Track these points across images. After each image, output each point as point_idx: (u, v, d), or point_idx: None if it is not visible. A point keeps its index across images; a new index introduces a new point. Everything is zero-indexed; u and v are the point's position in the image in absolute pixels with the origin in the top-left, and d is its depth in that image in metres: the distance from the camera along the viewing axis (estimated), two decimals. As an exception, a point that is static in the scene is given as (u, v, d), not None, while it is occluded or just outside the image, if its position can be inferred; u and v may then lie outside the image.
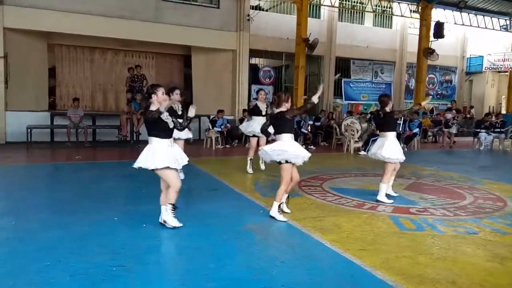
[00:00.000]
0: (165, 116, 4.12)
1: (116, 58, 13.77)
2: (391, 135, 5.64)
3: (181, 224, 4.22)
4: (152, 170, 4.08)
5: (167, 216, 4.21)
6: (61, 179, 7.08)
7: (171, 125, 4.19)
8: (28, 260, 3.38)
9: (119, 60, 13.81)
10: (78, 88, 13.26)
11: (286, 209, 4.92)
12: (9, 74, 11.08)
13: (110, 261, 3.36)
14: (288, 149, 4.59)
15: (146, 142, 4.29)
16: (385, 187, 5.62)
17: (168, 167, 4.08)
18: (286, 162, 4.62)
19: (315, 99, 4.82)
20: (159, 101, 4.10)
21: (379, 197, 5.56)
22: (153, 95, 4.12)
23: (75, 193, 5.80)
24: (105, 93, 13.76)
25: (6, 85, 11.02)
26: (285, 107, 4.73)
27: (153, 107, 4.10)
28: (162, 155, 4.05)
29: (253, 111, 7.71)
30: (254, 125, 7.36)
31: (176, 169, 4.18)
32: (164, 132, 4.15)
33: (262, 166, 7.57)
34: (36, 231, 4.12)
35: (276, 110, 4.80)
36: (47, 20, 11.09)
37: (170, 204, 4.19)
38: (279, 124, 4.73)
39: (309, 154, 4.73)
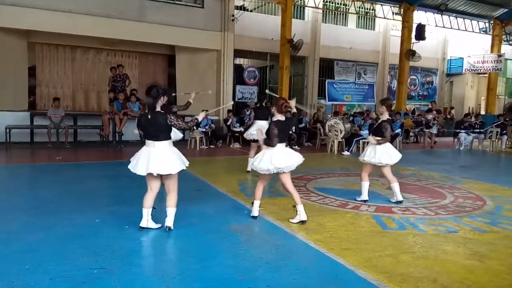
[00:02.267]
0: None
1: (98, 57, 13.57)
2: None
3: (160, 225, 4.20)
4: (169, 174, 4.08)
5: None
6: (42, 180, 6.93)
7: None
8: (9, 262, 3.30)
9: (102, 59, 13.61)
10: (59, 88, 13.02)
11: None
12: (-13, 72, 10.82)
13: (92, 264, 3.30)
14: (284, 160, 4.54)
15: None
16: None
17: None
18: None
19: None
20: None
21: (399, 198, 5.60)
22: (162, 97, 4.14)
23: (57, 194, 5.68)
24: (87, 93, 13.54)
25: (-16, 84, 10.76)
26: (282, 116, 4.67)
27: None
28: (179, 156, 4.18)
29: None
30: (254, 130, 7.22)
31: None
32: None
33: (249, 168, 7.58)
34: (17, 233, 4.02)
35: (276, 118, 4.66)
36: (29, 18, 10.84)
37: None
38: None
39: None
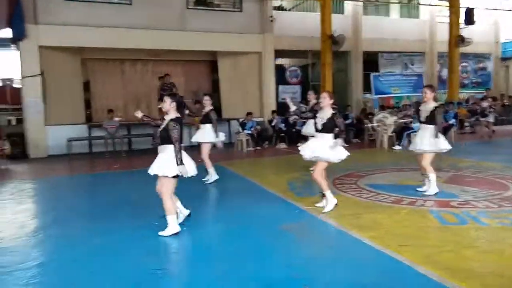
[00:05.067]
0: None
1: (145, 68, 14.14)
2: None
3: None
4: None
5: None
6: (102, 188, 7.34)
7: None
8: (77, 264, 3.54)
9: (149, 70, 14.17)
10: (111, 100, 13.68)
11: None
12: (46, 90, 11.60)
13: (154, 264, 3.46)
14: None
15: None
16: None
17: None
18: None
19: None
20: None
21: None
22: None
23: (116, 200, 5.99)
24: (138, 103, 14.13)
25: (44, 100, 11.55)
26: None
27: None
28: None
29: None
30: (309, 126, 7.55)
31: None
32: None
33: None
34: (83, 237, 4.32)
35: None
36: (79, 36, 11.52)
37: None
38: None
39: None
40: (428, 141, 5.41)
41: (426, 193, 5.49)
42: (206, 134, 6.86)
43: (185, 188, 5.73)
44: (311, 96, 7.87)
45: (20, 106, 11.96)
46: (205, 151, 6.89)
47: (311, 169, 7.27)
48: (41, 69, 11.41)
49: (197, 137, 6.98)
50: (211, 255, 3.83)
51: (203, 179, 6.97)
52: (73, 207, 5.83)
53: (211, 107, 6.95)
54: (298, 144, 12.41)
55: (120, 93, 13.88)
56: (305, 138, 10.41)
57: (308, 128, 7.74)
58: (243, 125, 12.11)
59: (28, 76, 11.21)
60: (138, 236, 4.24)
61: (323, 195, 5.03)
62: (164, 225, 4.47)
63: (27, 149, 11.48)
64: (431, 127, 5.44)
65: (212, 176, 6.98)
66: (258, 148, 12.07)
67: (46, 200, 6.55)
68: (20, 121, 12.13)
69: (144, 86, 14.06)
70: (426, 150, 5.46)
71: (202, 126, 6.99)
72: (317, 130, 4.94)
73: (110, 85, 13.71)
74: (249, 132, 11.99)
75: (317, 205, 5.09)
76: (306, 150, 4.96)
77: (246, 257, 3.63)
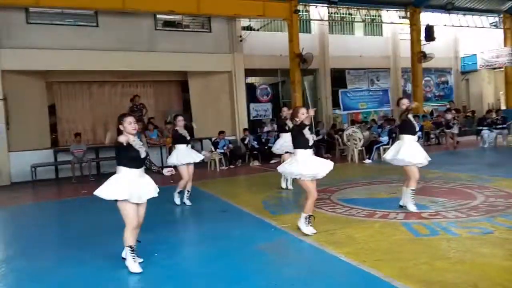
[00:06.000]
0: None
1: (114, 90, 13.93)
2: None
3: (140, 270, 3.77)
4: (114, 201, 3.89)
5: (128, 260, 3.82)
6: (70, 215, 7.05)
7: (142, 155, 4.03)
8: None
9: (118, 92, 13.96)
10: (79, 123, 13.37)
11: None
12: (10, 115, 11.18)
13: (126, 295, 3.32)
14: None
15: (149, 170, 4.28)
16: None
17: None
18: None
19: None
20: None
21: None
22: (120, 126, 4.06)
23: (86, 228, 5.76)
24: (106, 125, 13.84)
25: (7, 126, 11.11)
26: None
27: (121, 138, 3.97)
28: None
29: (281, 128, 7.82)
30: (281, 142, 7.60)
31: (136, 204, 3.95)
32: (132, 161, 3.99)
33: (290, 187, 7.49)
34: (51, 269, 4.09)
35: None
36: (44, 59, 11.27)
37: (128, 246, 3.85)
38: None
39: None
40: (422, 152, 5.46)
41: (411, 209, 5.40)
42: (194, 154, 6.83)
43: (158, 210, 5.59)
44: (285, 112, 7.86)
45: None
46: (192, 171, 6.81)
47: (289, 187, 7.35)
48: (4, 94, 11.03)
49: (185, 158, 6.73)
50: (186, 280, 3.72)
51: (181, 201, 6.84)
52: (39, 237, 5.55)
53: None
54: (273, 161, 12.39)
55: (88, 116, 13.58)
56: (277, 155, 10.32)
57: (283, 146, 7.55)
58: (215, 144, 12.05)
59: (-10, 102, 10.81)
60: (109, 266, 4.06)
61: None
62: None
63: (-11, 178, 10.97)
64: (415, 137, 5.55)
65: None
66: (232, 166, 12.02)
67: (10, 231, 6.22)
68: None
69: (113, 108, 13.81)
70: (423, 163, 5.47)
71: (178, 146, 6.84)
72: (308, 147, 4.68)
73: (77, 108, 13.42)
74: (222, 151, 11.94)
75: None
76: (309, 171, 4.62)
77: (222, 280, 3.54)
